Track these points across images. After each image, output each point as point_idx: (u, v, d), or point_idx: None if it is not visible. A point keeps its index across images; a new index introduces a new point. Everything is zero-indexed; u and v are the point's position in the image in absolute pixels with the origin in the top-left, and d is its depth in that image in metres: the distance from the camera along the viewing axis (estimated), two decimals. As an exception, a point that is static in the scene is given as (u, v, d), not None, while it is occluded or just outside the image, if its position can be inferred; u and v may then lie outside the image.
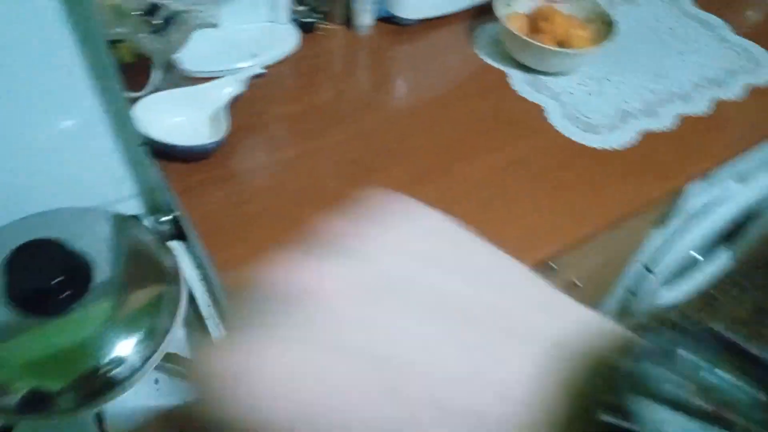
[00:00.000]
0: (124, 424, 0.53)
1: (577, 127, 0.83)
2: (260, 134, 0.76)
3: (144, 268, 0.55)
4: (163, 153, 0.68)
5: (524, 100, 0.86)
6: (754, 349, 0.17)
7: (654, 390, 0.16)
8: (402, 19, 0.93)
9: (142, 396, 0.55)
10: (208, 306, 0.62)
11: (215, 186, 0.70)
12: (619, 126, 0.84)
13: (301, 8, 0.90)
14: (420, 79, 0.89)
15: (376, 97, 0.85)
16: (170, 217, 0.66)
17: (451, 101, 0.85)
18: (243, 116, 0.76)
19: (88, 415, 0.53)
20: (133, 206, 0.67)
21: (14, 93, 0.53)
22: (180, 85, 0.74)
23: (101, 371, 0.49)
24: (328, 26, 0.92)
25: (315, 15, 0.91)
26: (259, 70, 0.79)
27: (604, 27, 0.91)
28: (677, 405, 0.16)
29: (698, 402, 0.16)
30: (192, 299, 0.61)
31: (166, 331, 0.52)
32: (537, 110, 0.85)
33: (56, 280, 0.48)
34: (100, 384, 0.49)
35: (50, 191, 0.60)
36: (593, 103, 0.87)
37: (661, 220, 1.01)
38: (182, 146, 0.67)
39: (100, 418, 0.51)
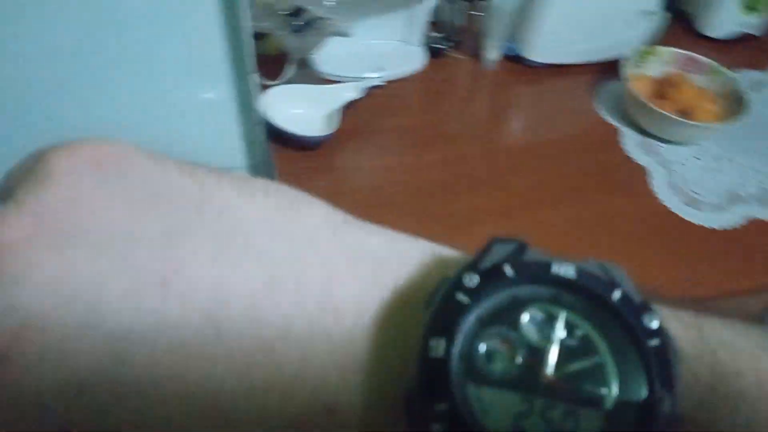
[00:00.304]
0: None
1: (680, 199, 0.81)
2: (366, 139, 0.82)
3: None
4: (278, 137, 0.76)
5: (631, 160, 0.85)
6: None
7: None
8: (529, 60, 0.96)
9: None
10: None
11: (315, 176, 0.76)
12: (727, 208, 0.81)
13: (434, 34, 0.95)
14: (532, 120, 0.91)
15: (485, 128, 0.89)
16: (270, 195, 0.74)
17: (557, 146, 0.86)
18: (354, 120, 0.82)
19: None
20: (242, 178, 0.74)
21: (171, 62, 0.62)
22: (307, 82, 0.82)
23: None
24: (456, 55, 0.97)
25: (446, 42, 0.96)
26: (380, 82, 0.85)
27: (736, 105, 0.88)
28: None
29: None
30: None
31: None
32: (641, 173, 0.84)
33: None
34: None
35: (176, 150, 0.69)
36: (705, 179, 0.85)
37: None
38: (296, 134, 0.75)
39: None
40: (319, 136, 0.76)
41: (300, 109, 0.78)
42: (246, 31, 0.61)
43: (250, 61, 0.63)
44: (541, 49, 0.95)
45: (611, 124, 0.91)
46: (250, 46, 0.62)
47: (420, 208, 0.74)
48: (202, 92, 0.66)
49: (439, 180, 0.78)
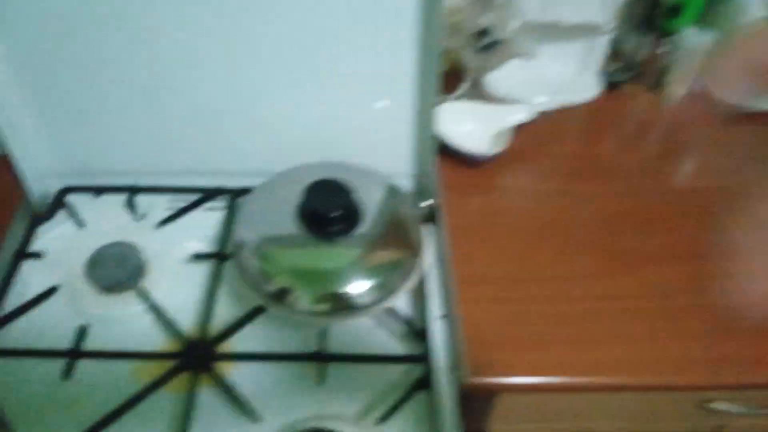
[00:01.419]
0: (341, 343, 0.63)
1: None
2: (531, 162, 0.81)
3: (399, 234, 0.65)
4: (445, 150, 0.78)
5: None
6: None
7: None
8: (719, 101, 0.89)
9: (359, 329, 0.64)
10: (436, 287, 0.69)
11: (476, 192, 0.77)
12: None
13: (612, 65, 0.93)
14: (712, 166, 0.85)
15: (658, 165, 0.84)
16: (429, 203, 0.75)
17: (735, 199, 0.80)
18: (521, 142, 0.82)
19: (317, 325, 0.63)
20: (403, 183, 0.77)
21: (361, 72, 0.66)
22: (479, 99, 0.83)
23: (338, 298, 0.59)
24: (633, 88, 0.93)
25: (624, 74, 0.93)
26: (551, 107, 0.85)
27: None
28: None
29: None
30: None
31: (395, 290, 0.61)
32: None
33: (335, 214, 0.60)
34: (333, 306, 0.60)
35: (349, 148, 0.74)
36: None
37: None
38: (465, 150, 0.76)
39: (325, 333, 0.62)
40: (486, 155, 0.77)
41: (470, 126, 0.79)
42: (437, 50, 0.63)
43: (436, 77, 0.65)
44: (736, 90, 0.88)
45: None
46: (438, 64, 0.64)
47: (579, 239, 0.72)
48: (384, 102, 0.69)
49: (602, 213, 0.75)
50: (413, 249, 0.64)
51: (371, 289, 0.60)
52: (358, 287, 0.59)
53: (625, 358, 0.61)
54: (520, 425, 0.74)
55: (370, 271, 0.61)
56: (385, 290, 0.61)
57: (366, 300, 0.60)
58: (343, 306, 0.60)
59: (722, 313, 0.65)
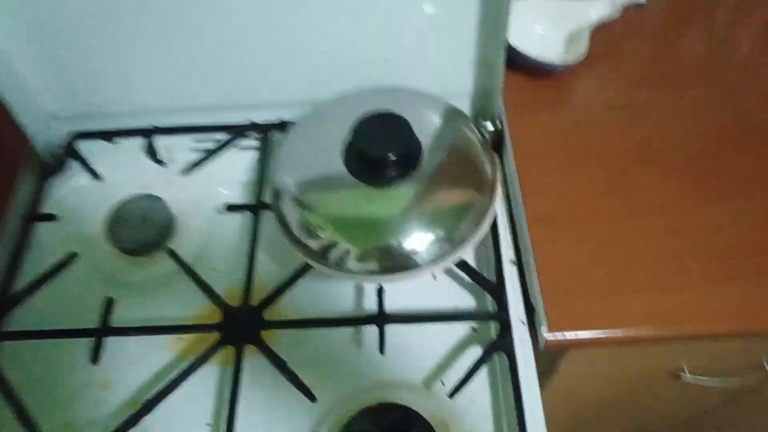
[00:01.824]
0: (398, 302, 0.55)
1: None
2: (614, 69, 0.68)
3: (466, 170, 0.53)
4: (509, 59, 0.65)
5: None
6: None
7: None
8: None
9: (418, 284, 0.55)
10: (505, 227, 0.59)
11: (548, 109, 0.65)
12: None
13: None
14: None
15: (763, 62, 0.70)
16: (493, 126, 0.64)
17: None
18: (602, 44, 0.68)
19: (371, 283, 0.55)
20: (463, 104, 0.65)
21: None
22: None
23: (394, 252, 0.50)
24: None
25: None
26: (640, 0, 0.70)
27: None
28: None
29: None
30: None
31: (465, 240, 0.51)
32: None
33: (392, 157, 0.49)
34: (389, 262, 0.50)
35: (394, 67, 0.62)
36: None
37: None
38: (533, 58, 0.63)
39: (380, 292, 0.54)
40: (562, 63, 0.64)
41: (540, 28, 0.66)
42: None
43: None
44: None
45: None
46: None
47: (668, 162, 0.60)
48: (427, 5, 0.57)
49: (702, 125, 0.63)
50: (484, 189, 0.53)
51: (435, 241, 0.50)
52: (419, 240, 0.50)
53: (744, 300, 0.51)
54: (586, 367, 0.66)
55: (434, 220, 0.50)
56: (451, 242, 0.51)
57: (429, 255, 0.50)
58: (402, 263, 0.50)
59: None
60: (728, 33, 0.72)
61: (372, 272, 0.50)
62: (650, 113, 0.64)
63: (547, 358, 0.64)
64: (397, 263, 0.50)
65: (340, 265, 0.51)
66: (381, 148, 0.49)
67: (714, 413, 0.92)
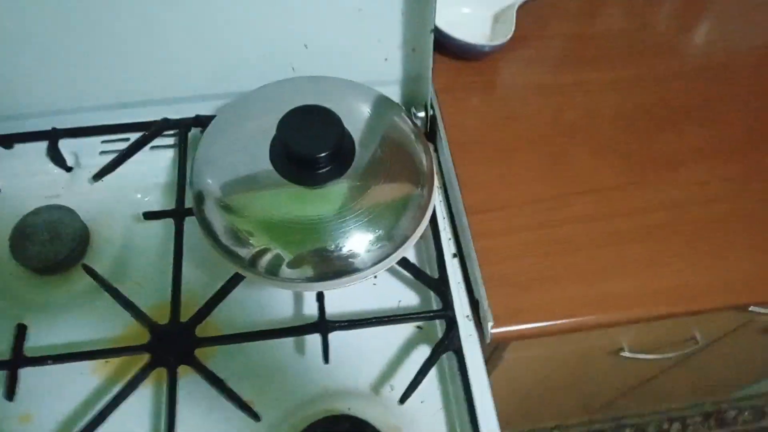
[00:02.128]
0: (339, 306, 0.52)
1: None
2: (541, 49, 0.67)
3: (402, 164, 0.51)
4: (436, 43, 0.63)
5: None
6: None
7: None
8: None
9: (359, 287, 0.53)
10: (443, 218, 0.58)
11: (480, 93, 0.63)
12: None
13: None
14: (747, 34, 0.72)
15: (685, 40, 0.71)
16: (425, 114, 0.62)
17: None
18: (527, 26, 0.67)
19: (309, 290, 0.52)
20: (391, 92, 0.63)
21: None
22: (474, -28, 0.67)
23: (332, 256, 0.47)
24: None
25: None
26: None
27: None
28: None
29: None
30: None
31: (406, 238, 0.49)
32: None
33: (323, 154, 0.46)
34: (328, 267, 0.47)
35: (319, 55, 0.58)
36: None
37: None
38: (462, 41, 0.61)
39: (320, 298, 0.51)
40: (489, 45, 0.62)
41: (467, 8, 0.64)
42: None
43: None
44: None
45: None
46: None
47: (599, 143, 0.60)
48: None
49: (628, 106, 0.63)
50: (421, 182, 0.51)
51: (375, 241, 0.47)
52: (358, 242, 0.47)
53: (676, 283, 0.52)
54: (531, 352, 0.67)
55: (372, 219, 0.47)
56: (392, 240, 0.48)
57: (369, 256, 0.47)
58: (341, 267, 0.47)
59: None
60: (650, 11, 0.73)
61: (309, 279, 0.47)
62: (577, 95, 0.63)
63: (492, 346, 0.64)
64: (336, 268, 0.47)
65: (273, 274, 0.47)
66: (310, 145, 0.46)
67: (652, 381, 0.96)
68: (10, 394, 0.47)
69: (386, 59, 0.59)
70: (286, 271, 0.47)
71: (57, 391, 0.48)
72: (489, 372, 0.65)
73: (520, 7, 0.66)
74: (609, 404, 1.16)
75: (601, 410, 1.25)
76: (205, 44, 0.56)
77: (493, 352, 0.66)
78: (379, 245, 0.47)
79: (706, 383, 1.17)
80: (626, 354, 0.70)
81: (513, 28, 0.62)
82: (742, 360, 0.98)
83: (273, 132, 0.48)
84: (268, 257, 0.47)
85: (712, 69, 0.67)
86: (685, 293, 0.51)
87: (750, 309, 0.62)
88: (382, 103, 0.54)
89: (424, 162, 0.51)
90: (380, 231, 0.47)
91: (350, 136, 0.49)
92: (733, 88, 0.66)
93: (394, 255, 0.49)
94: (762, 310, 0.64)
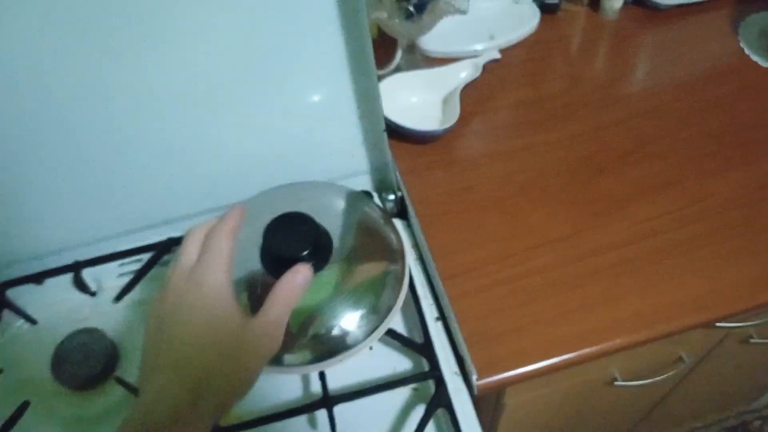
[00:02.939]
0: (341, 380, 0.59)
1: None
2: (489, 122, 0.76)
3: (374, 245, 0.59)
4: (394, 132, 0.72)
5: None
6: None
7: None
8: (656, 3, 0.85)
9: (357, 360, 0.60)
10: (423, 286, 0.65)
11: (439, 169, 0.72)
12: None
13: (545, -13, 0.86)
14: (669, 73, 0.81)
15: (616, 89, 0.80)
16: (395, 196, 0.70)
17: (705, 101, 0.77)
18: (474, 102, 0.76)
19: (311, 371, 0.59)
20: (363, 182, 0.71)
21: (276, 63, 0.58)
22: (419, 66, 0.76)
23: (327, 337, 0.54)
24: (572, 8, 0.87)
25: (558, -5, 0.87)
26: (495, 55, 0.79)
27: None
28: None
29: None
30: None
31: (389, 309, 0.56)
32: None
33: (305, 252, 0.54)
34: (326, 348, 0.55)
35: (293, 161, 0.67)
36: None
37: None
38: (415, 129, 0.70)
39: (322, 376, 0.58)
40: (440, 129, 0.71)
41: (415, 98, 0.73)
42: (364, 25, 0.56)
43: (368, 54, 0.58)
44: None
45: (766, 68, 0.79)
46: (369, 41, 0.57)
47: (557, 194, 0.68)
48: (311, 94, 0.63)
49: (577, 156, 0.71)
50: (395, 258, 0.59)
51: (363, 317, 0.55)
52: (349, 321, 0.54)
53: (634, 312, 0.58)
54: (529, 394, 0.72)
55: (358, 299, 0.55)
56: (378, 313, 0.55)
57: (361, 331, 0.54)
58: (337, 346, 0.54)
59: (721, 235, 0.63)
60: (583, 69, 0.82)
61: (309, 362, 0.55)
62: (525, 157, 0.71)
63: (493, 396, 0.70)
64: (333, 347, 0.54)
65: (279, 363, 0.55)
66: (291, 247, 0.54)
67: (664, 404, 1.00)
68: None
69: (353, 156, 0.68)
70: (288, 359, 0.54)
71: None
72: (497, 419, 0.70)
73: (466, 87, 0.75)
74: (633, 432, 1.19)
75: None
76: (193, 167, 0.65)
77: (496, 401, 0.71)
78: (367, 320, 0.55)
79: (720, 398, 1.20)
80: (620, 383, 0.75)
81: (458, 110, 0.71)
82: (746, 370, 1.02)
83: (260, 239, 0.56)
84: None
85: (641, 113, 0.76)
86: (641, 320, 0.57)
87: (717, 325, 0.68)
88: (352, 197, 0.63)
89: (394, 240, 0.59)
90: (366, 307, 0.55)
91: (326, 232, 0.57)
92: (663, 124, 0.74)
93: (381, 326, 0.56)
94: (731, 325, 0.70)
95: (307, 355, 0.54)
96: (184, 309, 0.39)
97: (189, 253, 0.44)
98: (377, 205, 0.63)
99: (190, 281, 0.41)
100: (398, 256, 0.59)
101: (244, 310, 0.42)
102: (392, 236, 0.60)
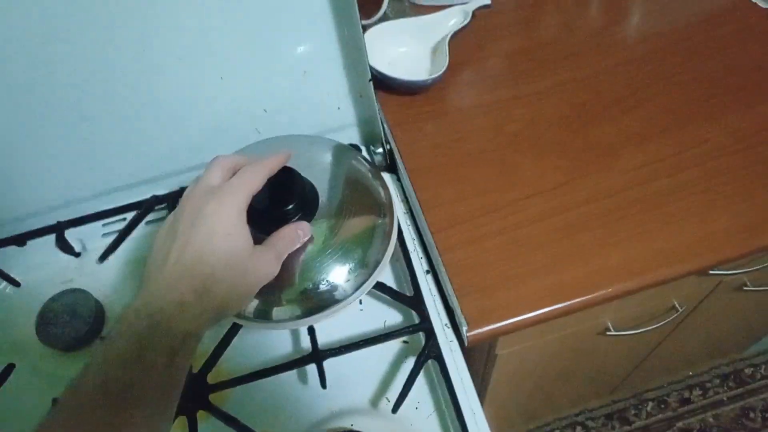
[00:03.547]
0: (331, 335, 0.58)
1: None
2: (479, 71, 0.74)
3: (361, 199, 0.57)
4: (382, 84, 0.70)
5: (795, 49, 0.72)
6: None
7: None
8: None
9: (347, 314, 0.59)
10: (413, 240, 0.64)
11: (428, 121, 0.70)
12: None
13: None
14: (665, 16, 0.78)
15: (609, 35, 0.77)
16: (383, 149, 0.68)
17: (702, 45, 0.74)
18: (463, 50, 0.74)
19: (300, 326, 0.58)
20: (351, 135, 0.70)
21: (260, 13, 0.56)
22: (407, 15, 0.74)
23: (315, 292, 0.53)
24: (564, -50, 0.84)
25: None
26: (485, 1, 0.76)
27: None
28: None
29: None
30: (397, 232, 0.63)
31: (377, 263, 0.55)
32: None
33: (290, 206, 0.52)
34: (315, 303, 0.54)
35: (280, 115, 0.65)
36: None
37: None
38: (403, 80, 0.68)
39: (311, 331, 0.57)
40: (428, 79, 0.69)
41: (403, 48, 0.70)
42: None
43: (353, 4, 0.56)
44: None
45: (763, 8, 0.77)
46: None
47: (549, 144, 0.66)
48: (297, 45, 0.60)
49: (570, 104, 0.69)
50: (383, 211, 0.57)
51: (351, 271, 0.53)
52: (337, 275, 0.53)
53: (626, 260, 0.57)
54: (521, 345, 0.72)
55: (346, 252, 0.54)
56: (366, 267, 0.54)
57: (349, 286, 0.54)
58: (326, 301, 0.53)
59: (715, 181, 0.62)
60: (576, 15, 0.79)
61: (299, 317, 0.54)
62: (516, 107, 0.69)
63: (485, 348, 0.70)
64: (320, 302, 0.54)
65: (266, 318, 0.54)
66: (277, 203, 0.52)
67: (657, 353, 1.00)
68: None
69: (339, 108, 0.66)
70: (277, 314, 0.53)
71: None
72: (490, 371, 0.70)
73: (456, 36, 0.73)
74: (626, 382, 1.20)
75: (620, 390, 1.29)
76: (180, 123, 0.63)
77: (488, 353, 0.71)
78: (355, 274, 0.54)
79: (713, 346, 1.21)
80: (612, 333, 0.75)
81: (447, 59, 0.69)
82: (739, 318, 1.03)
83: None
84: (258, 305, 0.53)
85: (634, 59, 0.74)
86: (633, 268, 0.57)
87: (711, 272, 0.67)
88: (338, 150, 0.61)
89: (382, 194, 0.58)
90: (354, 261, 0.54)
91: (312, 186, 0.56)
92: (656, 70, 0.72)
93: (369, 280, 0.55)
94: (724, 272, 0.69)
95: (296, 309, 0.53)
96: (201, 219, 0.41)
97: (213, 175, 0.45)
98: (365, 158, 0.61)
99: (213, 196, 0.42)
100: (386, 209, 0.57)
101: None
102: (380, 189, 0.58)
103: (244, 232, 0.42)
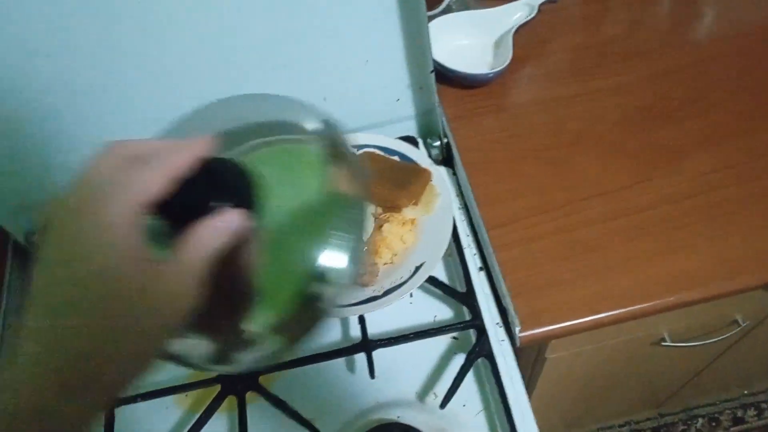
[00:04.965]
0: (381, 326, 0.58)
1: None
2: (542, 66, 0.72)
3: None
4: (442, 77, 0.69)
5: None
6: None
7: None
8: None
9: (397, 307, 0.59)
10: (467, 236, 0.63)
11: (488, 116, 0.69)
12: None
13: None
14: (738, 19, 0.75)
15: (679, 34, 0.74)
16: (440, 142, 0.68)
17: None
18: (527, 45, 0.72)
19: (351, 314, 0.58)
20: (408, 127, 0.69)
21: (326, 4, 0.56)
22: (471, 7, 0.73)
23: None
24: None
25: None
26: (551, -5, 0.74)
27: None
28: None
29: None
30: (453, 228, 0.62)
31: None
32: None
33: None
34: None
35: (339, 105, 0.65)
36: None
37: None
38: (464, 72, 0.67)
39: (362, 321, 0.57)
40: (490, 72, 0.68)
41: (466, 41, 0.69)
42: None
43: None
44: None
45: None
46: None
47: (608, 145, 0.64)
48: (368, 36, 0.60)
49: (634, 105, 0.67)
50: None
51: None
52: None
53: (689, 269, 0.55)
54: (572, 349, 0.70)
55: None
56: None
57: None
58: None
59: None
60: (643, 14, 0.76)
61: (351, 305, 0.54)
62: (578, 104, 0.68)
63: (534, 350, 0.68)
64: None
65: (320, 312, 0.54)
66: (189, 208, 0.24)
67: (712, 369, 0.97)
68: (110, 430, 0.55)
69: (398, 100, 0.66)
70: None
71: (147, 423, 0.56)
72: (537, 374, 0.69)
73: (519, 30, 0.72)
74: (676, 396, 1.16)
75: (669, 403, 1.25)
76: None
77: (537, 355, 0.70)
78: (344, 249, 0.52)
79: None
80: (668, 344, 0.73)
81: (510, 53, 0.67)
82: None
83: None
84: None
85: (704, 60, 0.71)
86: (697, 277, 0.54)
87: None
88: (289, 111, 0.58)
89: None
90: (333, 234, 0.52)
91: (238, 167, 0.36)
92: (724, 74, 0.69)
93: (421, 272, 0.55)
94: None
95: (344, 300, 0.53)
96: (77, 239, 0.26)
97: (101, 168, 0.27)
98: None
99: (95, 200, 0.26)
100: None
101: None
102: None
103: (137, 254, 0.26)
